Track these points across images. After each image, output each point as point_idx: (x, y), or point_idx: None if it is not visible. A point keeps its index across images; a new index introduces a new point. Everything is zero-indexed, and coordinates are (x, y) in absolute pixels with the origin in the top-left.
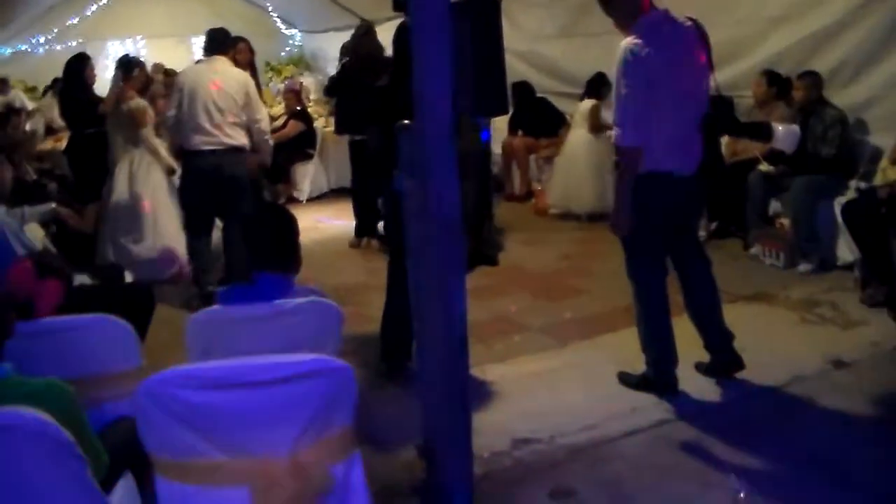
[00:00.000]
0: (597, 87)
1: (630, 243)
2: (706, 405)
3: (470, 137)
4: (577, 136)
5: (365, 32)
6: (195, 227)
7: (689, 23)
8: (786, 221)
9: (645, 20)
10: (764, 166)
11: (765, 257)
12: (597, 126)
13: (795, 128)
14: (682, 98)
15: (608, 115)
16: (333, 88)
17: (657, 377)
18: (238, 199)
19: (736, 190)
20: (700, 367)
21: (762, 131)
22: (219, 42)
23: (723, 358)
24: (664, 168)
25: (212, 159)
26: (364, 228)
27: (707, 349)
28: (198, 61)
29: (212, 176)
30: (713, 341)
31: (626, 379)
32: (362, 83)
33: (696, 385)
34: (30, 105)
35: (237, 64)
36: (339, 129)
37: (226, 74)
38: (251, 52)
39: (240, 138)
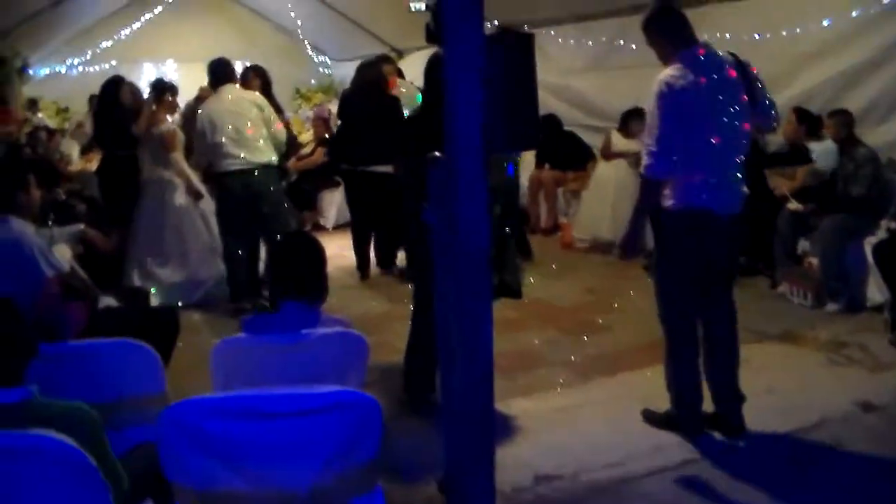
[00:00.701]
0: (626, 119)
1: (662, 283)
2: (731, 446)
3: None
4: (604, 168)
5: (369, 64)
6: (234, 248)
7: (731, 58)
8: (814, 261)
9: (686, 53)
10: (793, 204)
11: (792, 296)
12: (607, 154)
13: (829, 143)
14: (722, 133)
15: (626, 145)
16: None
17: (683, 416)
18: (275, 213)
19: (764, 227)
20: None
21: (800, 154)
22: (222, 73)
23: (727, 417)
24: (703, 205)
25: (240, 178)
26: (383, 259)
27: (714, 402)
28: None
29: (243, 193)
30: (722, 396)
31: (650, 417)
32: (355, 113)
33: None
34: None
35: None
36: (335, 157)
37: (238, 98)
38: (259, 77)
39: (266, 155)
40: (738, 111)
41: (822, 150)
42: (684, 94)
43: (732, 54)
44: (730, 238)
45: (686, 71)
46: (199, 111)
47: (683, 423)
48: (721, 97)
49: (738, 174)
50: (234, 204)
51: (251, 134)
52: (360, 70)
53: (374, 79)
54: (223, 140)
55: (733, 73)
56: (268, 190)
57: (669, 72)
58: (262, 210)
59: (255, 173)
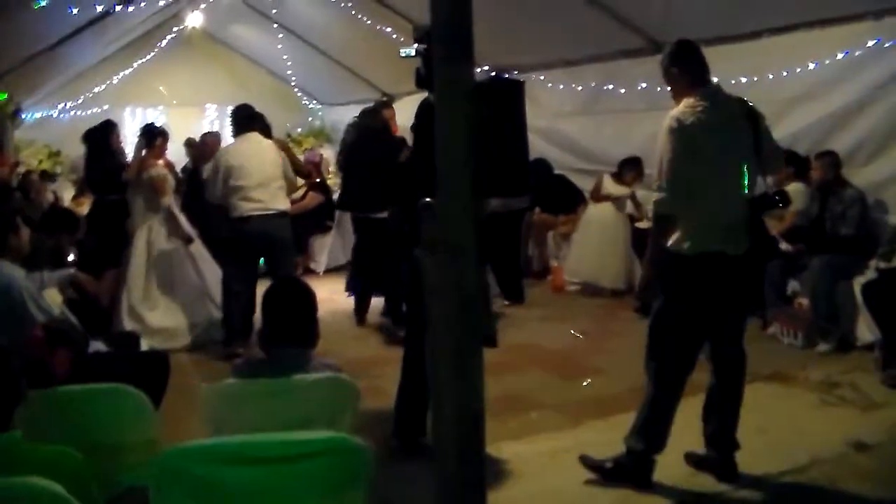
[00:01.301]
0: (622, 166)
1: (663, 329)
2: (723, 490)
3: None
4: (592, 211)
5: (372, 111)
6: (237, 290)
7: (737, 100)
8: (804, 301)
9: (700, 90)
10: (783, 245)
11: (783, 337)
12: (596, 196)
13: (800, 185)
14: (731, 173)
15: (617, 189)
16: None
17: (635, 466)
18: (285, 259)
19: (756, 268)
20: (690, 459)
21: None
22: (248, 118)
23: (720, 462)
24: (716, 247)
25: (259, 224)
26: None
27: (707, 444)
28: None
29: (260, 238)
30: (717, 441)
31: (593, 464)
32: (366, 160)
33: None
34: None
35: None
36: (345, 206)
37: (261, 145)
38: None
39: (283, 202)
40: (747, 151)
41: (795, 192)
42: (695, 129)
43: (741, 99)
44: (740, 280)
45: (698, 106)
46: (219, 154)
47: (635, 471)
48: (730, 136)
49: (745, 213)
50: (246, 247)
51: (272, 181)
52: (363, 117)
53: (378, 124)
54: (245, 185)
55: (740, 116)
56: (282, 236)
57: (681, 107)
58: (274, 255)
59: (273, 219)
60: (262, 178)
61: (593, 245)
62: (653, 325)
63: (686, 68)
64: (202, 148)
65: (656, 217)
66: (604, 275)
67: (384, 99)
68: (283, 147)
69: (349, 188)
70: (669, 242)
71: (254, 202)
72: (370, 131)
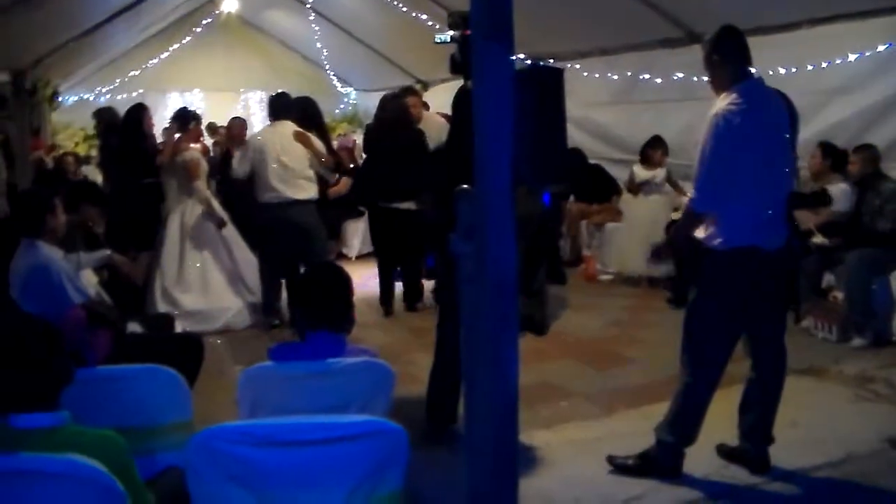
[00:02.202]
0: (644, 151)
1: (698, 324)
2: (756, 483)
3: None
4: (637, 205)
5: (393, 96)
6: (272, 270)
7: (779, 95)
8: (839, 295)
9: (741, 87)
10: (818, 238)
11: (817, 331)
12: (632, 188)
13: (844, 186)
14: (772, 168)
15: (648, 174)
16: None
17: (665, 458)
18: (310, 244)
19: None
20: (722, 451)
21: (822, 198)
22: (281, 107)
23: (754, 455)
24: (751, 242)
25: (279, 211)
26: (409, 298)
27: (742, 437)
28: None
29: (282, 225)
30: (752, 434)
31: (619, 464)
32: (384, 149)
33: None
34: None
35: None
36: (364, 196)
37: (287, 137)
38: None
39: (307, 191)
40: (786, 146)
41: (839, 192)
42: (741, 128)
43: (780, 92)
44: (777, 274)
45: (743, 103)
46: (251, 138)
47: (665, 464)
48: (773, 132)
49: (783, 209)
50: (269, 233)
51: (294, 169)
52: (383, 103)
53: (397, 112)
54: (268, 173)
55: (782, 110)
56: (303, 222)
57: (726, 105)
58: (297, 242)
59: (293, 207)
60: (281, 166)
61: (635, 238)
62: (688, 318)
63: (729, 58)
64: (230, 133)
65: (687, 213)
66: (644, 267)
67: (408, 85)
68: (302, 139)
69: (369, 177)
70: (703, 235)
71: (271, 191)
72: (387, 120)
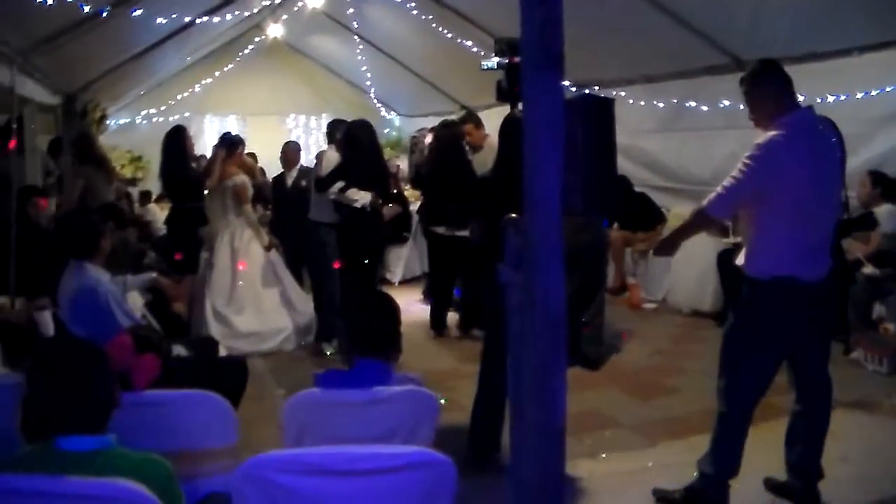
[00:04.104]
0: None
1: (735, 355)
2: None
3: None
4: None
5: (445, 125)
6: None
7: (829, 124)
8: (890, 326)
9: (790, 118)
10: (868, 268)
11: (867, 363)
12: None
13: (891, 206)
14: (818, 199)
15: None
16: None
17: (710, 491)
18: (318, 266)
19: (839, 292)
20: (770, 485)
21: (867, 222)
22: (328, 134)
23: (802, 491)
24: (791, 272)
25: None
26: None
27: (789, 472)
28: None
29: (305, 245)
30: (800, 469)
31: (665, 497)
32: (432, 174)
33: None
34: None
35: None
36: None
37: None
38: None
39: (321, 216)
40: (834, 176)
41: (886, 214)
42: (787, 157)
43: (828, 119)
44: (819, 304)
45: (793, 135)
46: (317, 160)
47: (710, 497)
48: (823, 164)
49: (829, 239)
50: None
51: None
52: (436, 130)
53: (445, 140)
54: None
55: (831, 140)
56: (314, 244)
57: (773, 134)
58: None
59: (312, 228)
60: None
61: (697, 276)
62: (724, 346)
63: (770, 91)
64: (286, 157)
65: (698, 213)
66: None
67: (468, 111)
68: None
69: (424, 203)
70: (742, 263)
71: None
72: (436, 147)
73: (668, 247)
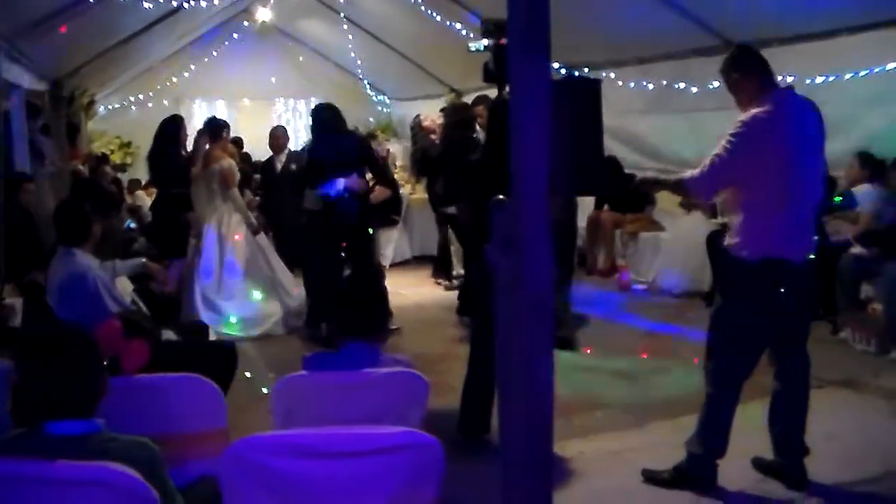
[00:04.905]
0: None
1: (722, 335)
2: (792, 497)
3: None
4: (686, 221)
5: (454, 108)
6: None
7: (809, 104)
8: (878, 306)
9: (770, 98)
10: (856, 248)
11: (855, 342)
12: (686, 204)
13: (868, 187)
14: (801, 179)
15: None
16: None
17: (698, 469)
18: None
19: (825, 272)
20: (758, 464)
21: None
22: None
23: (789, 469)
24: (780, 255)
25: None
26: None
27: (775, 451)
28: None
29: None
30: (785, 447)
31: (653, 477)
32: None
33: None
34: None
35: None
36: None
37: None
38: None
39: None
40: (817, 155)
41: (863, 194)
42: (769, 135)
43: (807, 99)
44: (804, 286)
45: (772, 114)
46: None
47: (698, 476)
48: (804, 142)
49: (812, 218)
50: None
51: None
52: (449, 113)
53: (461, 123)
54: None
55: (815, 120)
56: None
57: (756, 111)
58: None
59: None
60: None
61: (687, 258)
62: (711, 327)
63: (749, 74)
64: (276, 141)
65: (680, 185)
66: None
67: (482, 94)
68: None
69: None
70: (730, 244)
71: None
72: (454, 128)
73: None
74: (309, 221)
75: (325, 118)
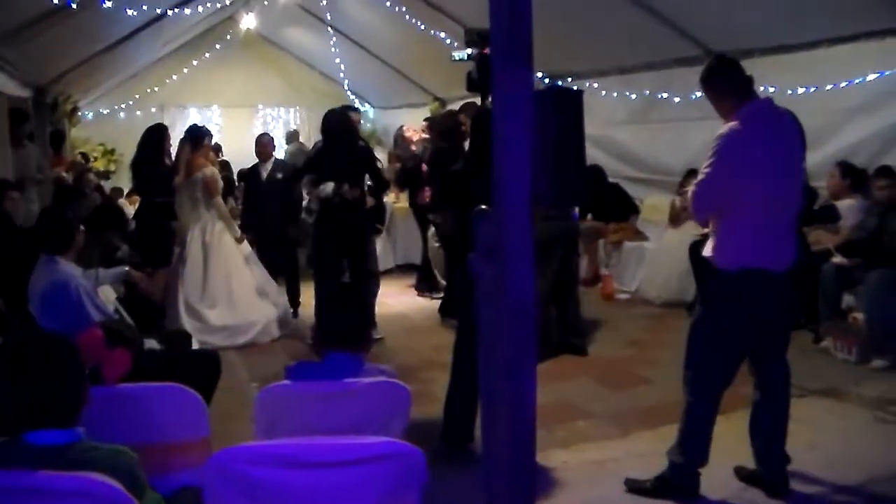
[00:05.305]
0: (683, 183)
1: (701, 344)
2: None
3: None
4: (673, 234)
5: (449, 114)
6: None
7: (788, 115)
8: (859, 315)
9: (747, 109)
10: (837, 258)
11: (836, 351)
12: (674, 220)
13: (852, 201)
14: (780, 192)
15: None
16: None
17: (680, 478)
18: None
19: (808, 282)
20: (740, 473)
21: (829, 214)
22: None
23: (771, 478)
24: (759, 265)
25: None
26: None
27: (757, 460)
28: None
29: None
30: (766, 457)
31: (635, 487)
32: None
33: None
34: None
35: None
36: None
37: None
38: None
39: None
40: (797, 166)
41: (847, 208)
42: (739, 150)
43: (789, 112)
44: (784, 297)
45: (750, 125)
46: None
47: (680, 485)
48: (782, 152)
49: (792, 228)
50: None
51: None
52: (437, 120)
53: (447, 130)
54: None
55: (793, 131)
56: None
57: (731, 125)
58: None
59: None
60: None
61: (672, 266)
62: (691, 337)
63: (728, 85)
64: (263, 149)
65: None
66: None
67: (469, 101)
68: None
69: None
70: (709, 254)
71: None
72: (441, 135)
73: None
74: (314, 224)
75: (334, 122)
